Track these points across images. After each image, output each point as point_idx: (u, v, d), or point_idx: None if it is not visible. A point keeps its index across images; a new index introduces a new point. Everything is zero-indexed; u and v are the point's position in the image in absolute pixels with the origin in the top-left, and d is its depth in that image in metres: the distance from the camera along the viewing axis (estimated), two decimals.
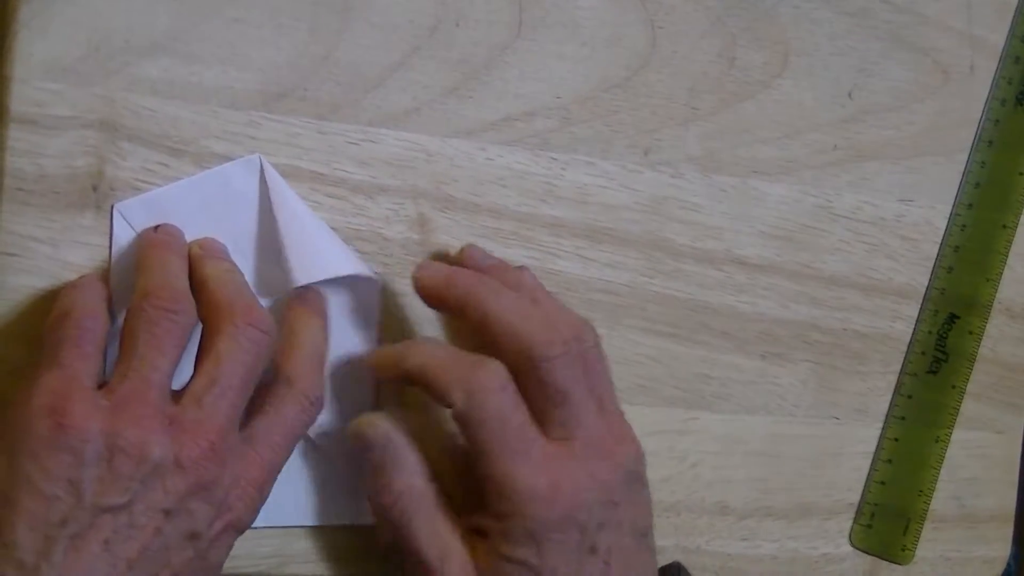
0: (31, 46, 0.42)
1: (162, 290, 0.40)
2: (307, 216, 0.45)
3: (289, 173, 0.45)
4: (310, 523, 0.46)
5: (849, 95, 0.55)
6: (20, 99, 0.41)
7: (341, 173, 0.46)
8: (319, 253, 0.44)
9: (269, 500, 0.42)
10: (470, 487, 0.43)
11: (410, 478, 0.43)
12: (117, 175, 0.43)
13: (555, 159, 0.50)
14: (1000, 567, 0.59)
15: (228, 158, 0.44)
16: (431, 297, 0.44)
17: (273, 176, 0.45)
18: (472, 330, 0.43)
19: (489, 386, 0.41)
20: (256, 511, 0.41)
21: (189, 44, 0.44)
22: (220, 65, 0.44)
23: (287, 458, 0.42)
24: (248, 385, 0.40)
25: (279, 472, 0.42)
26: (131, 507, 0.37)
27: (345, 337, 0.46)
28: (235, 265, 0.44)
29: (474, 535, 0.42)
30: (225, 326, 0.40)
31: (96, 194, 0.43)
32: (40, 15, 0.42)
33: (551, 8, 0.49)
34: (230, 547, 0.40)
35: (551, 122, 0.49)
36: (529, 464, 0.41)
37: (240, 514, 0.40)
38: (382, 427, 0.43)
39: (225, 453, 0.39)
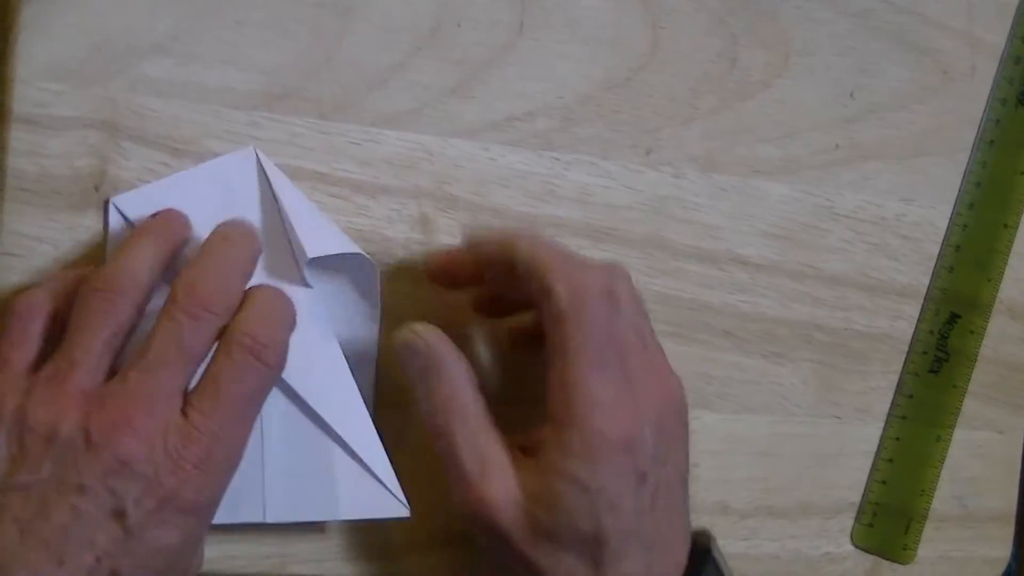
0: (33, 47, 0.42)
1: (102, 272, 0.39)
2: (306, 201, 0.45)
3: (291, 173, 0.45)
4: (315, 518, 0.46)
5: (851, 95, 0.55)
6: (22, 100, 0.42)
7: (343, 173, 0.46)
8: (326, 232, 0.44)
9: (275, 495, 0.42)
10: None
11: (453, 388, 0.42)
12: (119, 175, 0.43)
13: (557, 159, 0.50)
14: (1001, 567, 0.59)
15: None
16: (475, 249, 0.44)
17: (270, 165, 0.45)
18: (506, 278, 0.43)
19: (595, 287, 0.40)
20: (202, 489, 0.38)
21: (191, 45, 0.44)
22: (222, 66, 0.44)
23: (239, 425, 0.39)
24: (183, 362, 0.38)
25: (232, 443, 0.39)
26: (42, 485, 0.36)
27: (346, 327, 0.46)
28: (241, 250, 0.41)
29: (522, 454, 0.41)
30: (166, 306, 0.39)
31: (98, 194, 0.43)
32: (42, 16, 0.42)
33: (552, 8, 0.49)
34: (182, 529, 0.38)
35: (553, 122, 0.49)
36: (605, 375, 0.40)
37: (176, 490, 0.37)
38: (425, 335, 0.42)
39: (150, 428, 0.37)
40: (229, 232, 0.41)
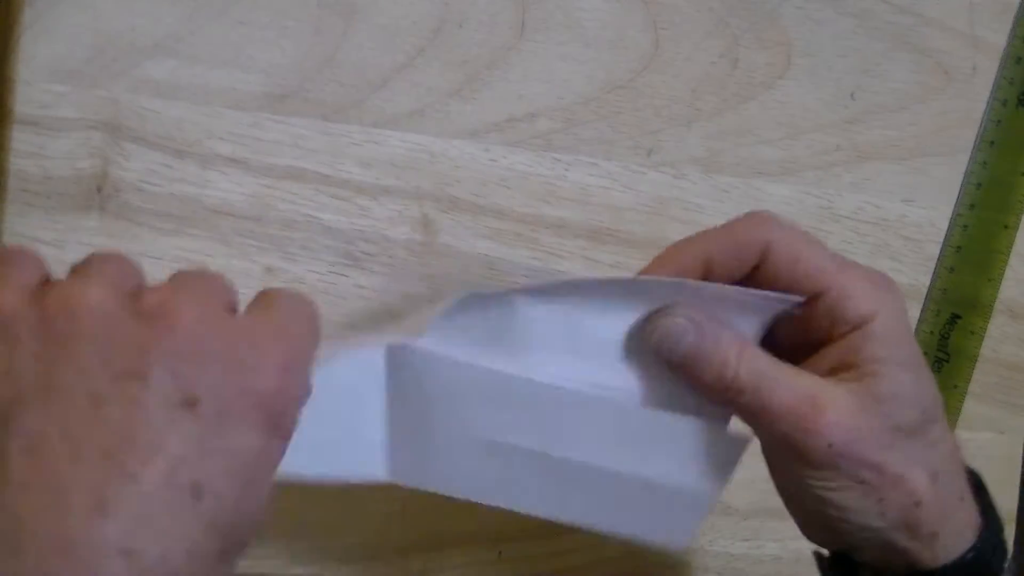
0: (35, 48, 0.42)
1: None
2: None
3: (293, 175, 0.45)
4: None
5: (851, 96, 0.55)
6: (25, 101, 0.42)
7: (345, 174, 0.46)
8: None
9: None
10: None
11: (740, 344, 0.40)
12: (121, 176, 0.43)
13: (558, 160, 0.50)
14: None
15: (232, 159, 0.44)
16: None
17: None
18: None
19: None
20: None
21: (194, 46, 0.44)
22: (224, 67, 0.44)
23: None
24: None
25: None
26: (86, 380, 0.29)
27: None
28: None
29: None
30: None
31: (100, 195, 0.43)
32: (44, 17, 0.42)
33: (554, 9, 0.49)
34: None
35: (554, 123, 0.49)
36: (857, 270, 0.41)
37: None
38: (680, 312, 0.40)
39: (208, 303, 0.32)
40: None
